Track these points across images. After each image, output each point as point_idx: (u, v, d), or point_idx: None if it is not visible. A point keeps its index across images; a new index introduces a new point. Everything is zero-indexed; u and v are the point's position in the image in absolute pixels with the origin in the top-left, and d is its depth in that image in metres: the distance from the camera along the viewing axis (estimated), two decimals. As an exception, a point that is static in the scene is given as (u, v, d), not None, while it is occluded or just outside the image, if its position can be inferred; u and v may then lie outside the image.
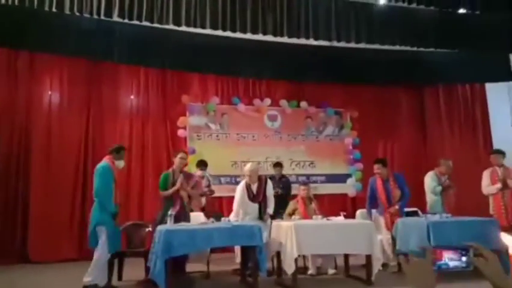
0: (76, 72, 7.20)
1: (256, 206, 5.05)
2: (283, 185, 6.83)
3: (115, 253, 4.49)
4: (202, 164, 6.67)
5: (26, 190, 6.62)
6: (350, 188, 8.31)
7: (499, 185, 5.52)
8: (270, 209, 5.08)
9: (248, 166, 5.17)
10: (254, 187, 5.07)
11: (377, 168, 5.54)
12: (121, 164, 4.70)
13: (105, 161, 4.62)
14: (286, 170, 7.97)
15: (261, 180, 5.14)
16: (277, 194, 6.55)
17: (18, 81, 6.84)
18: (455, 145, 8.95)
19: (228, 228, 4.21)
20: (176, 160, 5.04)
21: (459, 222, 4.83)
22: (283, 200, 6.63)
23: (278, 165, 6.93)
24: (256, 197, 5.04)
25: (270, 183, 5.25)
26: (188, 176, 5.08)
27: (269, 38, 6.83)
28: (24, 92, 6.85)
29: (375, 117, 8.76)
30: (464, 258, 1.24)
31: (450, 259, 1.25)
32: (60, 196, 6.75)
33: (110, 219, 4.39)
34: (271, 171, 7.53)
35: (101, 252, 4.29)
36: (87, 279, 4.25)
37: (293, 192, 7.00)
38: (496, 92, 9.18)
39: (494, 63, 8.36)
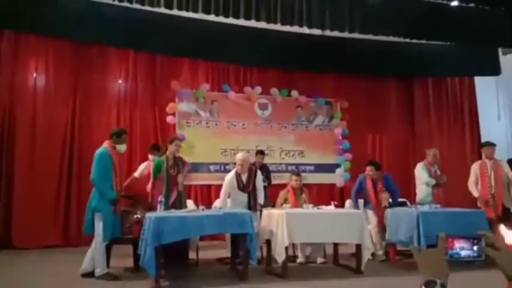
0: (62, 55, 7.00)
1: (245, 196, 5.05)
2: (266, 174, 6.79)
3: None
4: (154, 149, 5.88)
5: (10, 175, 6.45)
6: (338, 178, 8.33)
7: (477, 195, 5.62)
8: (261, 200, 5.11)
9: (240, 155, 5.15)
10: (244, 177, 5.06)
11: (369, 170, 5.61)
12: (122, 148, 4.55)
13: (104, 146, 4.48)
14: (275, 159, 8.00)
15: (251, 171, 5.14)
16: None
17: (2, 63, 6.61)
18: (444, 137, 9.07)
19: (219, 215, 4.16)
20: (172, 147, 4.94)
21: (448, 213, 4.89)
22: (265, 190, 6.62)
23: (261, 153, 6.85)
24: (246, 187, 5.03)
25: (259, 174, 5.25)
26: (183, 162, 5.08)
27: (262, 25, 6.76)
28: (8, 74, 6.62)
29: (365, 108, 8.76)
30: (475, 248, 1.21)
31: (461, 248, 1.22)
32: (45, 182, 6.60)
33: (108, 206, 4.29)
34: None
35: (99, 241, 4.23)
36: (97, 270, 4.21)
37: (280, 181, 7.05)
38: (484, 86, 9.30)
39: (483, 57, 8.44)
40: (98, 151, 4.44)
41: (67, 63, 7.01)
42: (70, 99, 6.98)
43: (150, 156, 5.74)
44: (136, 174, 5.72)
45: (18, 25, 6.46)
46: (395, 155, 8.83)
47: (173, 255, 4.55)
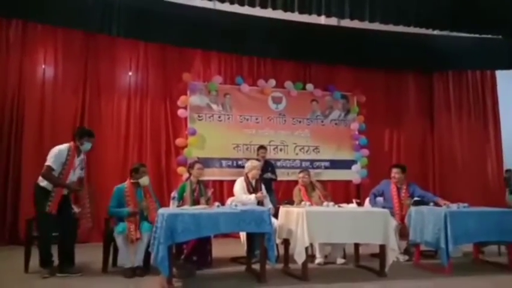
0: (71, 45, 6.79)
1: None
2: (271, 168, 6.74)
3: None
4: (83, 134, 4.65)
5: (18, 169, 6.25)
6: (354, 174, 8.04)
7: None
8: (270, 205, 5.04)
9: (250, 163, 5.27)
10: (253, 181, 5.19)
11: (395, 172, 5.37)
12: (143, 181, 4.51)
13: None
14: (289, 155, 7.78)
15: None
16: (269, 178, 6.49)
17: (10, 52, 6.42)
18: (464, 133, 8.75)
19: (236, 213, 3.90)
20: (194, 172, 4.90)
21: (478, 213, 4.58)
22: (272, 184, 6.57)
23: (262, 147, 6.88)
24: (255, 189, 5.10)
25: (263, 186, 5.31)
26: (206, 186, 5.05)
27: (276, 14, 6.48)
28: (16, 64, 6.42)
29: (383, 103, 8.50)
30: None
31: None
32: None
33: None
34: (274, 155, 7.37)
35: None
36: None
37: (294, 178, 6.87)
38: (506, 80, 8.97)
39: (505, 50, 8.09)
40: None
41: (75, 53, 6.80)
42: (79, 90, 6.77)
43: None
44: None
45: (27, 14, 6.27)
46: (414, 151, 8.55)
47: (196, 251, 4.46)
